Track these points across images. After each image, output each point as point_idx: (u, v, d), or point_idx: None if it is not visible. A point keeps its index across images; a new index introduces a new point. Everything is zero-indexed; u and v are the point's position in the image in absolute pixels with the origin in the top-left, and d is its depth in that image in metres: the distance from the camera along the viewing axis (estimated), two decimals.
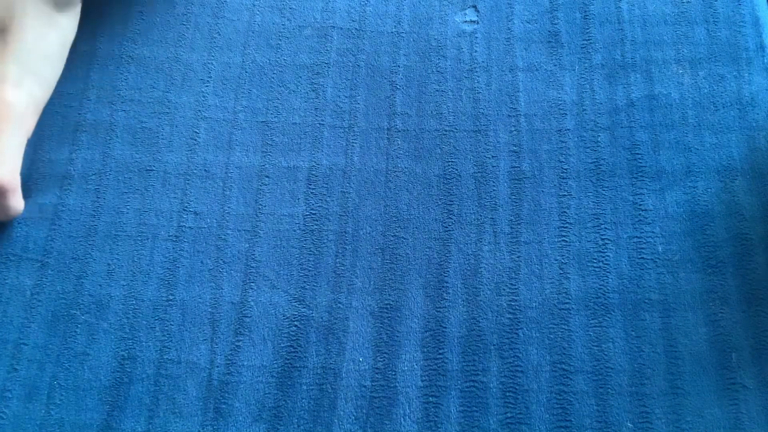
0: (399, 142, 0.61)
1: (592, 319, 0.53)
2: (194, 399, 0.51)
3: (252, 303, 0.55)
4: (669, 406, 0.50)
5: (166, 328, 0.54)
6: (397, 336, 0.53)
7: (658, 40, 0.64)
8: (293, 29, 0.66)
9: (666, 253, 0.55)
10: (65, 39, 0.57)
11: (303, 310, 0.54)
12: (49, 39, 0.54)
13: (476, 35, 0.65)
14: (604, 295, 0.54)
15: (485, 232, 0.57)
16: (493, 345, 0.53)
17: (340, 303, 0.55)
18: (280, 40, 0.65)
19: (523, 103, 0.62)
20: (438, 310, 0.54)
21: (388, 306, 0.54)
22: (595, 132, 0.60)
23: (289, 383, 0.52)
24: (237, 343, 0.53)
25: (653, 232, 0.56)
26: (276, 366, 0.53)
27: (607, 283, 0.55)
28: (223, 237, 0.57)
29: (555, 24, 0.65)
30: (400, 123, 0.61)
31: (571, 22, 0.65)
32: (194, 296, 0.55)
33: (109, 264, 0.56)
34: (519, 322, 0.54)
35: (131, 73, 0.63)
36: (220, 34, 0.65)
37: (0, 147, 0.51)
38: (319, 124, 0.61)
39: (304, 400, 0.51)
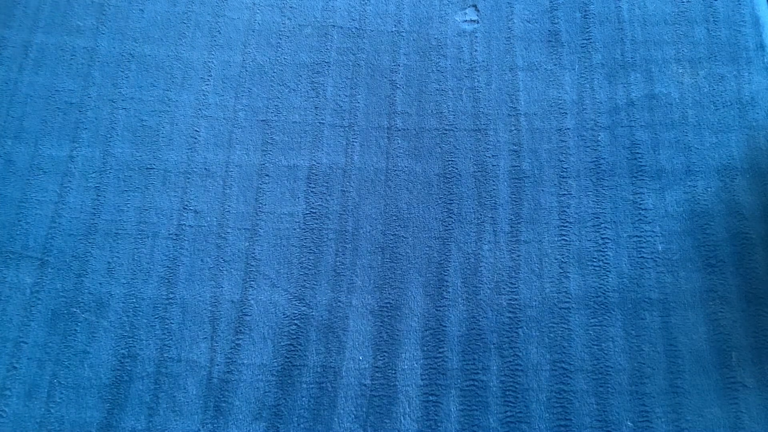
0: (399, 141, 0.61)
1: (592, 318, 0.53)
2: (194, 397, 0.51)
3: (252, 301, 0.55)
4: (669, 405, 0.50)
5: (167, 326, 0.54)
6: (397, 335, 0.53)
7: (658, 40, 0.64)
8: (293, 28, 0.66)
9: (666, 252, 0.55)
10: None
11: (303, 308, 0.54)
12: None
13: (476, 34, 0.65)
14: (604, 294, 0.54)
15: (485, 231, 0.57)
16: (493, 344, 0.53)
17: (340, 302, 0.55)
18: (281, 38, 0.65)
19: (523, 103, 0.62)
20: (438, 308, 0.54)
21: (388, 305, 0.54)
22: (595, 131, 0.60)
23: (289, 382, 0.52)
24: (237, 342, 0.53)
25: (653, 231, 0.56)
26: (276, 364, 0.53)
27: (607, 282, 0.55)
28: (223, 235, 0.57)
29: (555, 23, 0.65)
30: (401, 122, 0.61)
31: (571, 22, 0.65)
32: (194, 294, 0.55)
33: (109, 262, 0.56)
34: (519, 320, 0.54)
35: (132, 71, 0.63)
36: (220, 33, 0.65)
37: None
38: (320, 122, 0.61)
39: (304, 399, 0.51)
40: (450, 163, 0.60)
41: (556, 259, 0.56)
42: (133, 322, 0.54)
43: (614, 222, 0.57)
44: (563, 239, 0.56)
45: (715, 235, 0.56)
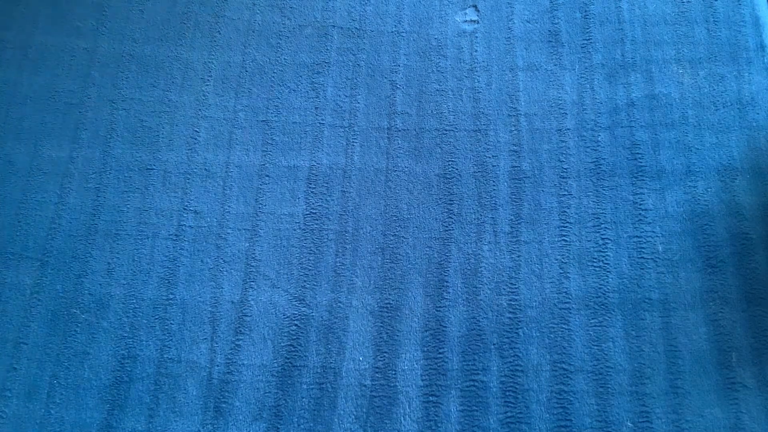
0: (399, 142, 0.61)
1: (592, 318, 0.53)
2: (194, 398, 0.51)
3: (252, 302, 0.55)
4: (669, 406, 0.50)
5: (167, 327, 0.54)
6: (398, 335, 0.53)
7: (658, 40, 0.64)
8: (294, 28, 0.66)
9: (666, 252, 0.55)
10: None
11: (303, 309, 0.54)
12: None
13: (476, 35, 0.65)
14: (604, 294, 0.54)
15: (485, 231, 0.57)
16: (494, 344, 0.53)
17: (340, 302, 0.55)
18: (281, 39, 0.65)
19: (523, 103, 0.62)
20: (438, 309, 0.54)
21: (389, 305, 0.54)
22: (596, 131, 0.60)
23: (289, 382, 0.52)
24: (237, 342, 0.53)
25: (653, 231, 0.56)
26: (276, 365, 0.53)
27: (607, 282, 0.55)
28: (223, 236, 0.57)
29: (555, 24, 0.65)
30: (401, 122, 0.61)
31: (571, 22, 0.65)
32: (194, 295, 0.55)
33: (109, 263, 0.56)
34: (519, 321, 0.54)
35: (132, 71, 0.63)
36: (220, 33, 0.65)
37: None
38: (320, 123, 0.61)
39: (304, 399, 0.51)
40: (450, 163, 0.60)
41: (557, 260, 0.56)
42: (133, 322, 0.54)
43: (614, 222, 0.57)
44: (563, 240, 0.56)
45: (715, 235, 0.56)
